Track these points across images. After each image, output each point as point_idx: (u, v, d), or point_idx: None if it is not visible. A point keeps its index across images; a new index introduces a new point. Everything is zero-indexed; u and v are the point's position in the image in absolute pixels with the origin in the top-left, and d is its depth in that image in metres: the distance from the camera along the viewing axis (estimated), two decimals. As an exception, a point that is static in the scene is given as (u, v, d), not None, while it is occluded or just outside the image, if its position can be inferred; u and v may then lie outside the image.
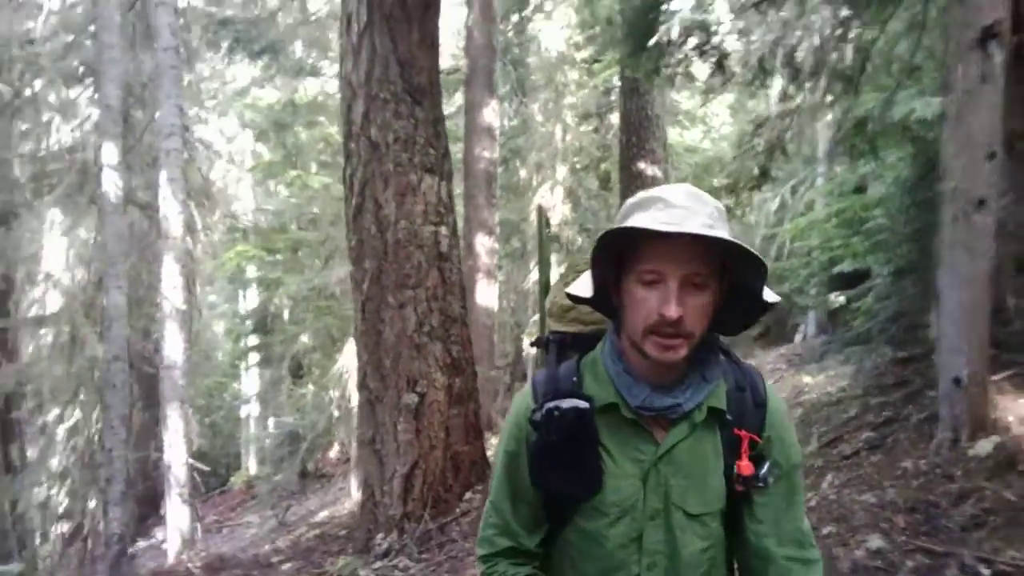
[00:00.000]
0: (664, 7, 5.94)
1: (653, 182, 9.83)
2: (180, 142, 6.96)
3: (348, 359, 9.85)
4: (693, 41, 6.08)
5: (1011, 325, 3.78)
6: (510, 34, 12.14)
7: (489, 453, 4.99)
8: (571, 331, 1.28)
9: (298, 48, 10.41)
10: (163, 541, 7.67)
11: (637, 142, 9.89)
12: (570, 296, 1.15)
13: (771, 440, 1.16)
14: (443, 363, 4.37)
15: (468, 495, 4.39)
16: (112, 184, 6.76)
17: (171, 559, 7.14)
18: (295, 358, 10.26)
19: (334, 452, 13.37)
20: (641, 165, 9.89)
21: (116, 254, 6.89)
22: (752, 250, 1.00)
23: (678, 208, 1.02)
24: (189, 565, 6.96)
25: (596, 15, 11.45)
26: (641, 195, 1.10)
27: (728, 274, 1.08)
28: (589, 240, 13.14)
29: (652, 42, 5.70)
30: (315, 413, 10.61)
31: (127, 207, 7.17)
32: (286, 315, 9.86)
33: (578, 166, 12.42)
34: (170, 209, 6.88)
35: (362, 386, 4.54)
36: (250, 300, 16.75)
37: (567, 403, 1.10)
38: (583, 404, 1.10)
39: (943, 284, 3.43)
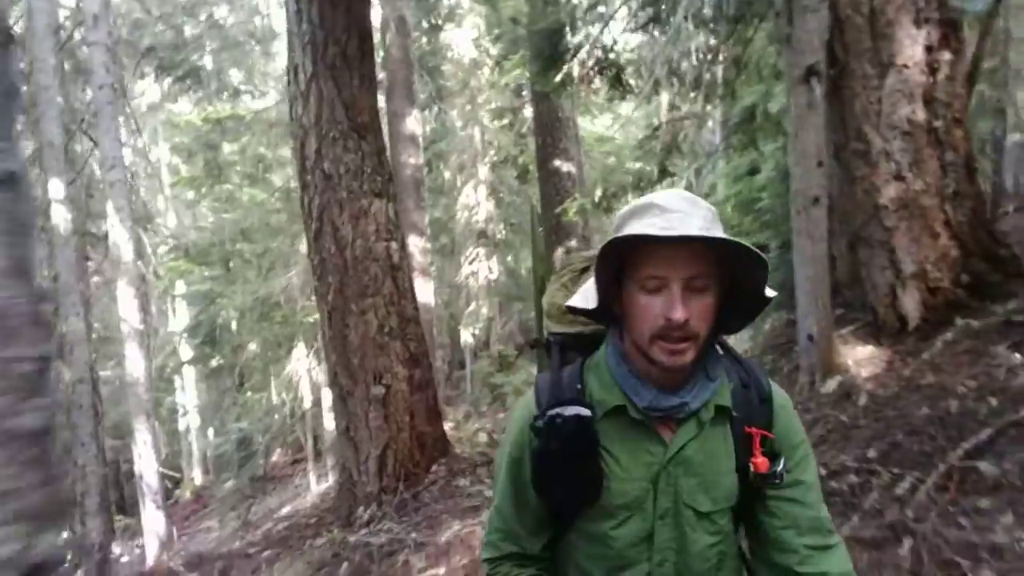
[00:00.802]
0: (566, 31, 6.79)
1: (568, 178, 10.76)
2: (122, 173, 7.36)
3: (297, 363, 10.41)
4: (593, 59, 6.97)
5: (851, 290, 4.82)
6: (423, 43, 12.76)
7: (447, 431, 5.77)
8: (571, 332, 1.27)
9: (217, 68, 10.72)
10: (138, 545, 8.09)
11: (551, 142, 10.76)
12: (571, 309, 1.17)
13: (781, 435, 1.17)
14: (403, 358, 5.11)
15: (434, 467, 5.16)
16: (61, 218, 7.12)
17: (151, 561, 7.60)
18: (241, 367, 10.68)
19: (276, 456, 13.82)
20: (557, 163, 10.78)
21: (70, 283, 7.25)
22: (753, 248, 1.02)
23: (674, 212, 1.03)
24: (171, 564, 7.45)
25: (501, 16, 12.17)
26: (635, 203, 1.11)
27: (727, 273, 1.09)
28: (513, 233, 14.02)
29: (559, 70, 6.50)
30: (267, 417, 11.09)
31: (77, 238, 7.52)
32: (233, 326, 10.27)
33: (497, 161, 13.21)
34: (119, 236, 7.28)
35: (333, 383, 5.23)
36: (180, 315, 16.88)
37: (569, 411, 1.11)
38: (585, 412, 1.11)
39: (795, 263, 4.41)
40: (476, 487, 5.02)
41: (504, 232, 13.60)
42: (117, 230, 7.25)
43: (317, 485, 10.67)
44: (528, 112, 12.41)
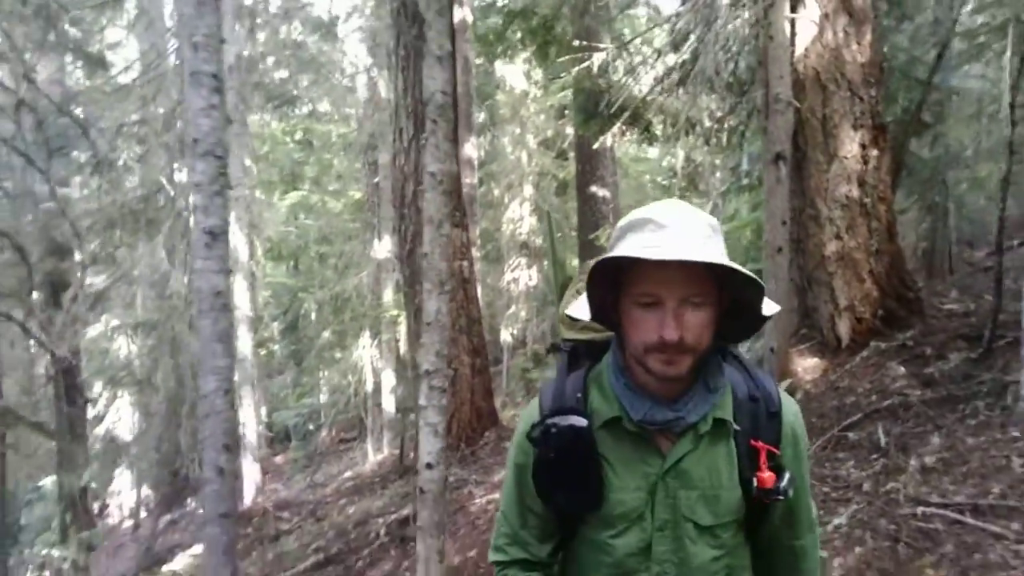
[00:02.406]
0: (604, 94, 8.37)
1: (604, 202, 12.35)
2: (243, 191, 9.18)
3: (362, 351, 12.17)
4: (627, 116, 8.54)
5: (808, 317, 6.34)
6: (480, 75, 14.45)
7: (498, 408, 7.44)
8: (583, 339, 1.27)
9: (308, 97, 12.56)
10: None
11: (590, 170, 12.35)
12: (572, 317, 1.17)
13: (788, 451, 1.16)
14: (467, 349, 6.77)
15: (487, 433, 6.81)
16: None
17: (248, 502, 9.41)
18: (318, 351, 12.49)
19: (324, 434, 15.64)
20: (593, 188, 12.36)
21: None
22: (744, 271, 1.00)
23: (669, 229, 1.01)
24: (266, 505, 9.25)
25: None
26: (633, 216, 1.08)
27: (728, 286, 1.07)
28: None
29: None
30: (332, 396, 12.89)
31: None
32: (313, 316, 12.08)
33: (540, 185, 14.85)
34: (239, 241, 9.09)
35: (415, 366, 6.91)
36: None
37: (565, 421, 1.11)
38: (580, 422, 1.11)
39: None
40: (518, 450, 6.65)
41: (543, 244, 15.25)
42: (237, 236, 9.06)
43: (374, 456, 12.42)
44: (569, 129, 14.00)
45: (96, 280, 9.57)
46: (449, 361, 6.72)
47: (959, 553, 2.53)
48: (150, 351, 8.60)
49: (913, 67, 6.18)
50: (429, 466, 2.86)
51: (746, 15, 5.77)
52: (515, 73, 14.26)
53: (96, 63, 6.08)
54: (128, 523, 13.17)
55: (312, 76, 11.23)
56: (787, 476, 1.11)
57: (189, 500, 10.69)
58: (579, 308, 1.13)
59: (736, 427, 1.13)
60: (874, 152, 5.45)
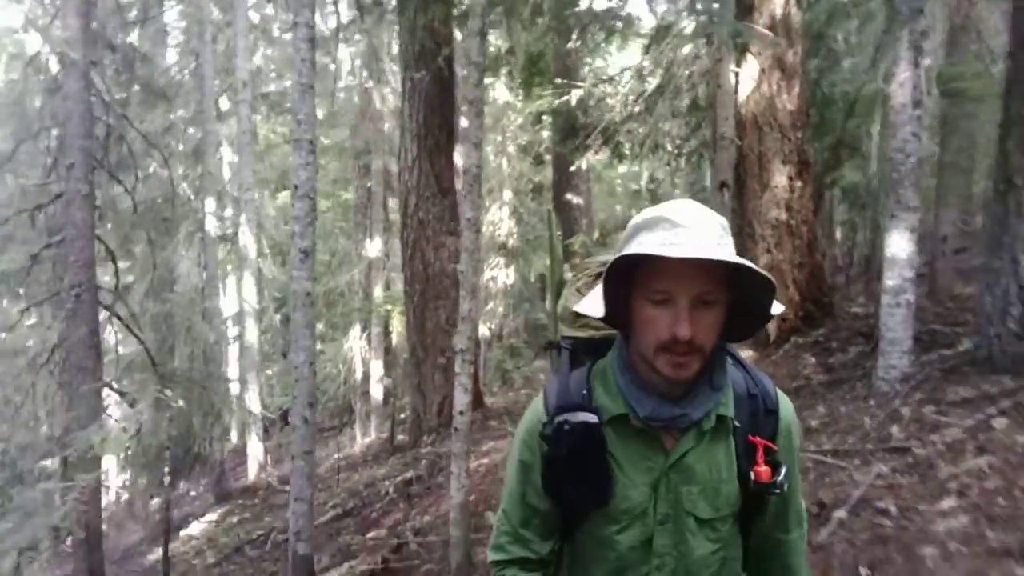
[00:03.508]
0: (579, 121, 9.52)
1: (577, 209, 13.52)
2: (251, 194, 10.15)
3: (352, 343, 13.17)
4: (599, 137, 9.70)
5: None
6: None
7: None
8: (583, 336, 1.29)
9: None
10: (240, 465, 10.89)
11: (565, 179, 13.52)
12: (579, 314, 1.19)
13: (784, 446, 1.19)
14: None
15: (472, 414, 7.90)
16: (213, 226, 9.92)
17: (251, 478, 10.39)
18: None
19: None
20: (568, 196, 13.54)
21: (215, 272, 10.05)
22: (759, 270, 1.02)
23: (684, 228, 1.02)
24: (269, 480, 10.24)
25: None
26: (647, 215, 1.10)
27: (736, 286, 1.08)
28: (527, 246, 16.79)
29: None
30: (323, 384, 13.86)
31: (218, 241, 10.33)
32: (308, 309, 13.07)
33: (519, 189, 15.95)
34: (247, 239, 10.07)
35: (412, 354, 7.99)
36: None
37: (577, 417, 1.13)
38: (592, 418, 1.13)
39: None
40: (500, 426, 7.77)
41: (522, 245, 16.38)
42: (246, 235, 10.04)
43: (362, 440, 13.43)
44: (546, 133, 15.17)
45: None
46: (442, 351, 7.83)
47: (817, 478, 3.71)
48: (164, 339, 9.55)
49: (833, 113, 7.44)
50: (461, 412, 4.01)
51: (697, 67, 6.94)
52: (498, 87, 15.36)
53: (160, 96, 6.97)
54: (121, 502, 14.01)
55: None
56: (783, 471, 1.14)
57: (181, 483, 11.61)
58: (591, 305, 1.14)
59: (736, 423, 1.16)
60: (799, 183, 6.67)
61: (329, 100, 12.30)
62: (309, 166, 3.91)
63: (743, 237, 7.04)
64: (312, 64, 4.03)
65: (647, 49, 7.83)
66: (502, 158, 15.51)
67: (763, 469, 1.13)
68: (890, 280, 4.45)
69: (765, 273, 1.02)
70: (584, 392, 1.18)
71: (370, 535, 5.57)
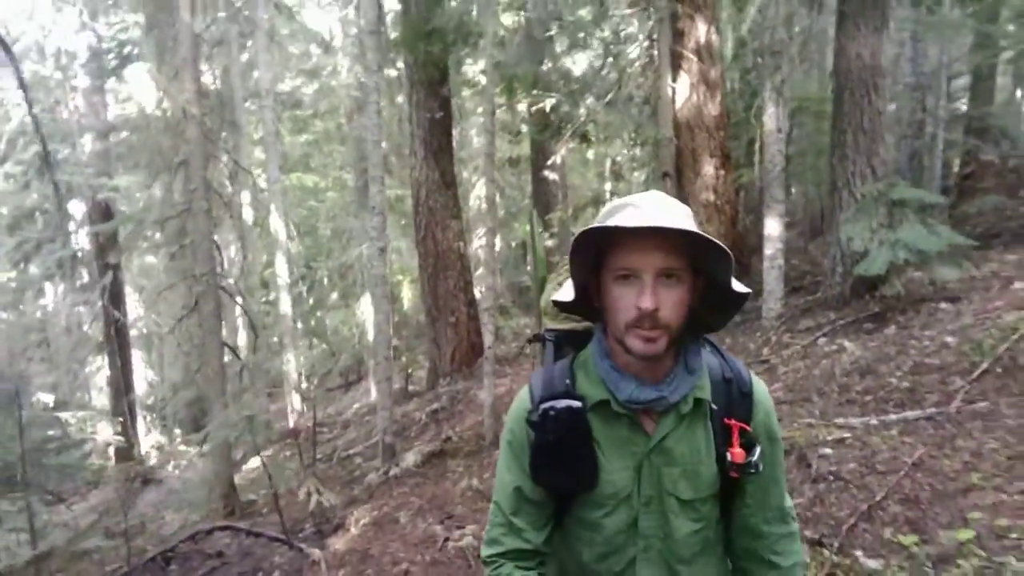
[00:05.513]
0: (552, 115, 11.43)
1: (553, 184, 15.49)
2: (279, 186, 12.00)
3: (364, 308, 15.16)
4: (571, 126, 11.63)
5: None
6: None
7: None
8: (565, 328, 1.36)
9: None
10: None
11: (543, 158, 15.43)
12: (556, 304, 1.24)
13: (759, 428, 1.24)
14: (464, 302, 9.89)
15: (478, 360, 9.99)
16: (248, 215, 11.78)
17: (291, 424, 12.45)
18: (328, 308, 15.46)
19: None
20: (545, 172, 15.48)
21: (253, 256, 11.95)
22: (716, 241, 1.06)
23: (647, 208, 1.10)
24: (307, 425, 12.29)
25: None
26: (614, 202, 1.17)
27: (702, 270, 1.14)
28: (508, 215, 18.75)
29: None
30: (343, 344, 15.89)
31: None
32: (325, 280, 15.03)
33: (500, 166, 17.83)
34: (278, 224, 11.96)
35: (428, 314, 10.03)
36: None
37: (561, 403, 1.18)
38: (576, 404, 1.18)
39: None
40: (500, 368, 9.86)
41: (503, 213, 18.36)
42: (276, 220, 11.92)
43: (376, 394, 15.50)
44: (521, 107, 17.05)
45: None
46: (452, 311, 9.89)
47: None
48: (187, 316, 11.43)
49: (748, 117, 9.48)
50: (489, 347, 6.07)
51: (642, 80, 8.91)
52: (478, 71, 17.11)
53: (230, 124, 8.76)
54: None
55: (310, 81, 13.87)
56: (757, 451, 1.19)
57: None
58: (564, 292, 1.21)
59: (713, 406, 1.21)
60: (723, 172, 8.73)
61: (329, 94, 14.04)
62: (380, 196, 5.85)
63: (683, 214, 9.12)
64: (380, 127, 5.93)
65: (607, 52, 9.74)
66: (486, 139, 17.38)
67: (738, 451, 1.18)
68: (768, 250, 6.55)
69: (719, 242, 1.08)
70: (568, 381, 1.23)
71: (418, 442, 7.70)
